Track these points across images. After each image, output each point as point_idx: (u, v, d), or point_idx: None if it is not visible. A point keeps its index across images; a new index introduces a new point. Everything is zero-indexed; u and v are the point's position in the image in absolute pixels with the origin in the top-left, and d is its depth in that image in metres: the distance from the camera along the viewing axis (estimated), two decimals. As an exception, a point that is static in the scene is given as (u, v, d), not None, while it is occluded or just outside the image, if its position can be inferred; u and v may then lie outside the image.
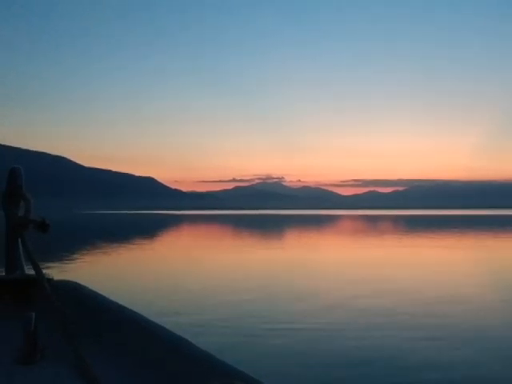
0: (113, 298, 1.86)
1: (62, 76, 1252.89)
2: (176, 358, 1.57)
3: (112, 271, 15.26)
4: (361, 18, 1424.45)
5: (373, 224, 61.56)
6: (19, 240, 1.95)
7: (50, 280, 1.91)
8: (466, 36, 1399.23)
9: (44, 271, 1.85)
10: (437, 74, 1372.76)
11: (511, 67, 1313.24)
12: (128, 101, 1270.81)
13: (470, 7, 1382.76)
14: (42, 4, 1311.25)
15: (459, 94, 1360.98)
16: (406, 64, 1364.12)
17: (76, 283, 2.01)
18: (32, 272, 1.87)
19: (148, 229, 48.12)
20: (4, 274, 1.98)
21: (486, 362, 6.11)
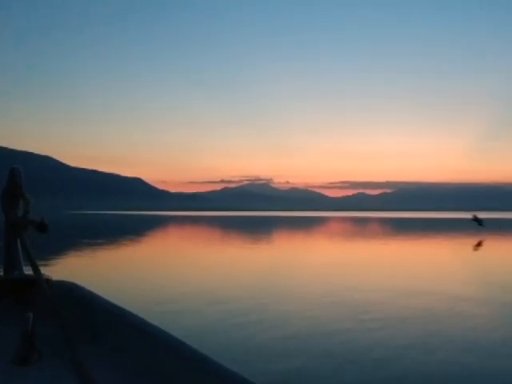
0: (104, 295, 1.89)
1: (49, 76, 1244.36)
2: (173, 360, 1.57)
3: (99, 270, 15.16)
4: (352, 18, 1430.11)
5: (357, 226, 61.57)
6: (18, 240, 1.95)
7: (48, 280, 1.93)
8: (458, 37, 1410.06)
9: (43, 272, 1.86)
10: (426, 76, 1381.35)
11: (501, 69, 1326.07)
12: (116, 101, 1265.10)
13: (463, 10, 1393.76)
14: (33, 5, 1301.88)
15: (448, 97, 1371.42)
16: (395, 66, 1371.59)
17: (74, 284, 2.02)
18: (31, 272, 1.89)
19: (134, 230, 47.77)
20: (3, 274, 2.00)
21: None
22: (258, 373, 5.48)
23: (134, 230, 48.05)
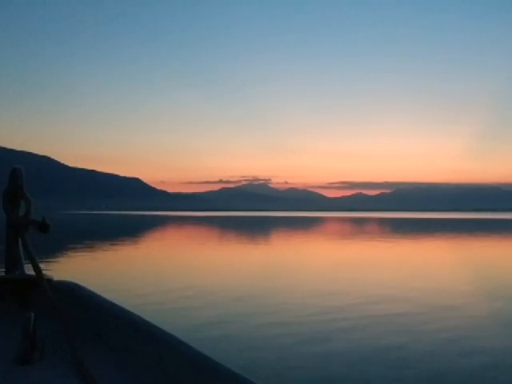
0: (105, 295, 1.86)
1: (47, 76, 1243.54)
2: (174, 360, 1.57)
3: (99, 270, 15.16)
4: (350, 18, 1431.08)
5: (356, 227, 61.69)
6: (19, 240, 1.94)
7: (49, 280, 1.91)
8: (455, 38, 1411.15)
9: (44, 271, 1.85)
10: (424, 76, 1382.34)
11: (499, 69, 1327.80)
12: (115, 101, 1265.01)
13: (459, 10, 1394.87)
14: (31, 5, 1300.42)
15: (446, 97, 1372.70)
16: (393, 66, 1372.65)
17: (75, 284, 2.01)
18: (32, 272, 1.87)
19: (134, 230, 47.87)
20: (4, 273, 1.98)
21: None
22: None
23: (133, 230, 48.16)
